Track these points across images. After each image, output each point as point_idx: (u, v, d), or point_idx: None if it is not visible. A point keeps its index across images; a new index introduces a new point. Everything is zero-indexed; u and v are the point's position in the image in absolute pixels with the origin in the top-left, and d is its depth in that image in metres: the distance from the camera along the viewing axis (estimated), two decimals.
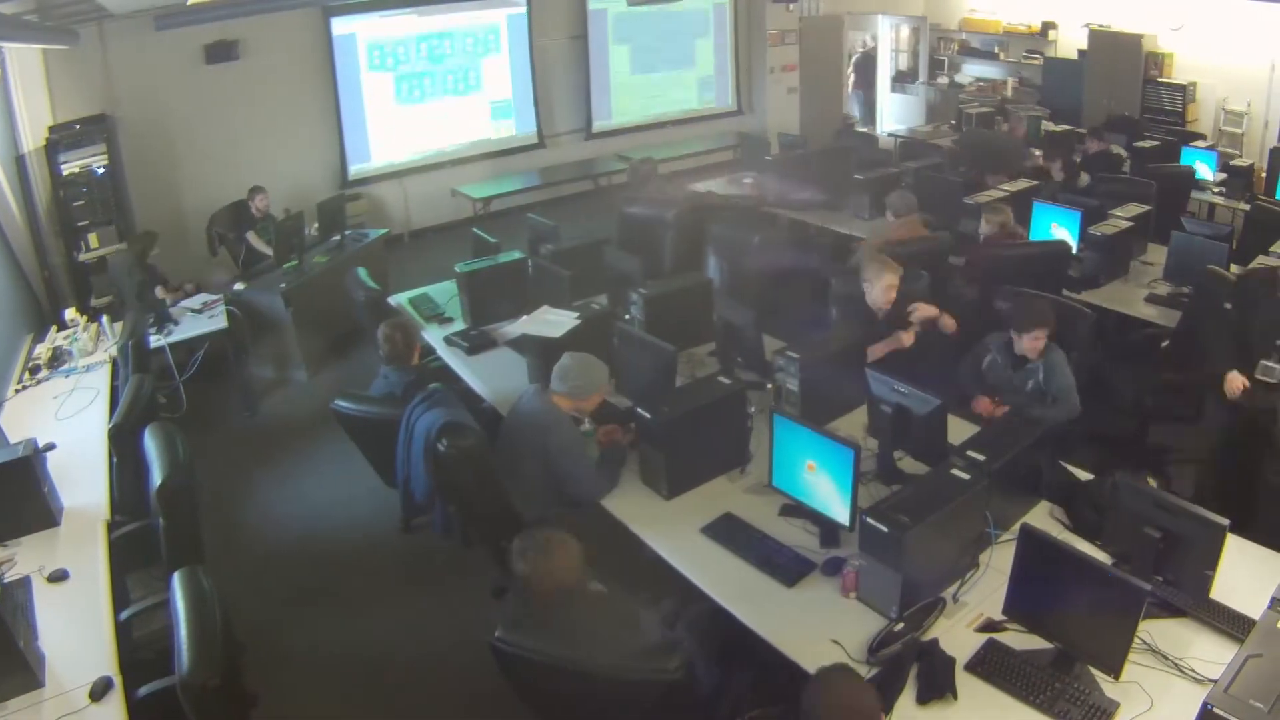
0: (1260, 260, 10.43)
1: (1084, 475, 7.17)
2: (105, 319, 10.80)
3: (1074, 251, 11.34)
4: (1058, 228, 11.70)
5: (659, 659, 5.25)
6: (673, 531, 6.86)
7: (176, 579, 5.62)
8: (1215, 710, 4.38)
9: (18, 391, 9.82)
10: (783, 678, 5.73)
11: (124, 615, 6.37)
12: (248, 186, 14.60)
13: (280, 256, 13.18)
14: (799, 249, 12.45)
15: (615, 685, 5.30)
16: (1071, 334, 8.69)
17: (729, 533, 6.78)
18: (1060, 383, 8.12)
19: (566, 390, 7.49)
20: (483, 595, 7.85)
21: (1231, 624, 5.57)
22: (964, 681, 5.34)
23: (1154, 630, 5.52)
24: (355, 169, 17.72)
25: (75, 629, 6.09)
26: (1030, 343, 8.20)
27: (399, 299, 11.38)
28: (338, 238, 14.31)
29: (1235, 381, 7.84)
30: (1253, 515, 7.07)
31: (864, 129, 22.74)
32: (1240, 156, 17.26)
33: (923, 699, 5.23)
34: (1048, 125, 18.60)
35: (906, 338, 8.95)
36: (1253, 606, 5.49)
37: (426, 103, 18.16)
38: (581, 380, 7.52)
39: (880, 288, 8.90)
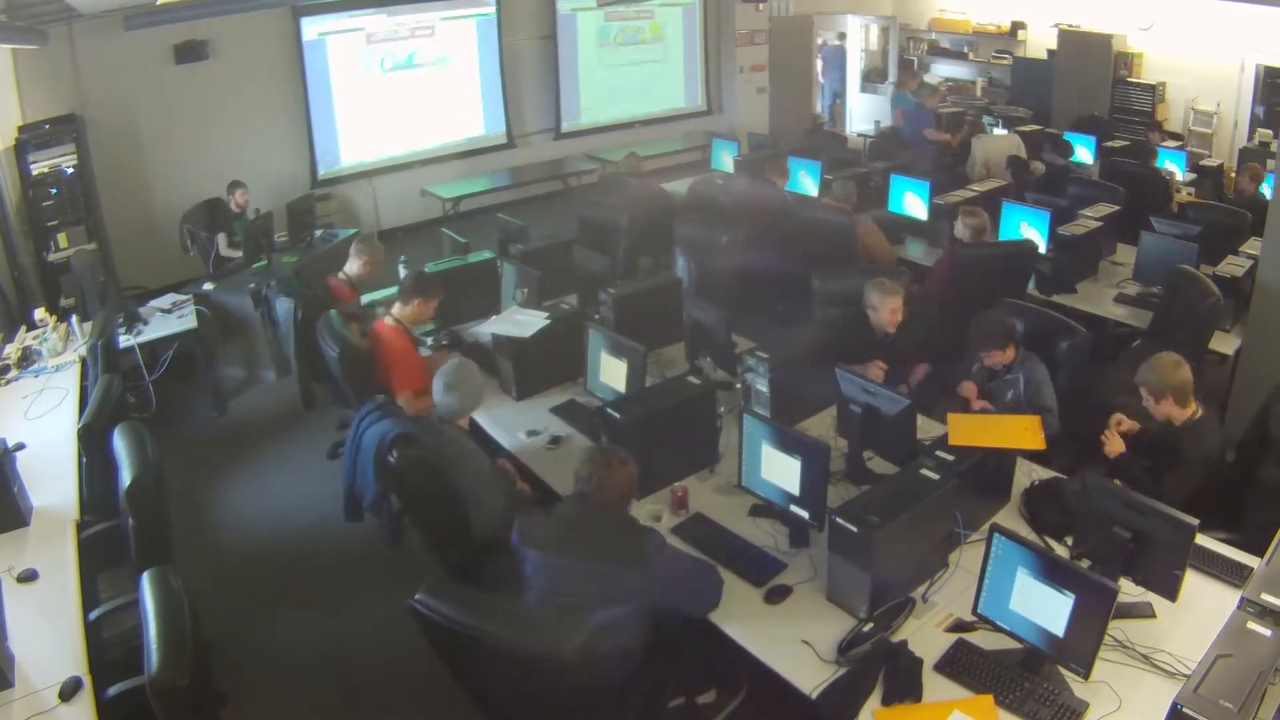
0: (1229, 260, 10.45)
1: (1047, 474, 7.19)
2: (74, 319, 10.74)
3: (1041, 251, 11.37)
4: (1027, 227, 11.72)
5: (559, 636, 5.21)
6: None
7: (145, 579, 5.59)
8: (1185, 710, 4.38)
9: None
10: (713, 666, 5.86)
11: (93, 615, 6.33)
12: (218, 185, 14.55)
13: (249, 257, 13.15)
14: (768, 249, 12.41)
15: (515, 658, 5.26)
16: (1057, 350, 8.69)
17: (699, 533, 6.78)
18: (1042, 403, 8.06)
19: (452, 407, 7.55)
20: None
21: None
22: (933, 681, 5.36)
23: (1125, 627, 5.55)
24: (325, 169, 17.65)
25: (44, 629, 6.06)
26: (990, 359, 8.24)
27: (369, 299, 11.34)
28: (307, 238, 14.24)
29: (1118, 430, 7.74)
30: (1243, 516, 7.12)
31: (830, 128, 22.84)
32: (1210, 156, 17.33)
33: (888, 701, 5.23)
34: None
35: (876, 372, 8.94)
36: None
37: (396, 103, 18.10)
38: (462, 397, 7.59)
39: (886, 311, 8.88)
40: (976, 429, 6.82)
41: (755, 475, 6.87)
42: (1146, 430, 7.46)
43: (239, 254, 13.78)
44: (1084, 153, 16.41)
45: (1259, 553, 6.19)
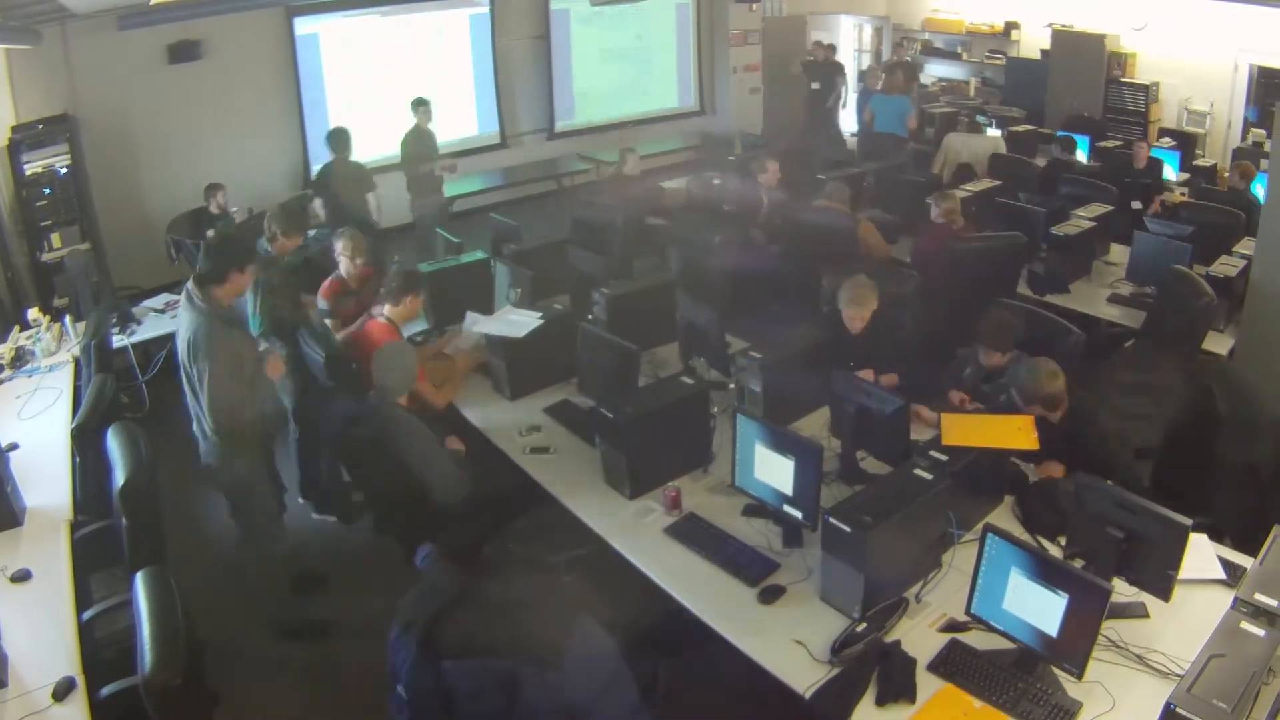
0: (1223, 260, 10.46)
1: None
2: (68, 319, 10.71)
3: (1031, 245, 11.36)
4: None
5: None
6: (636, 532, 6.89)
7: (139, 579, 5.62)
8: (1178, 710, 4.39)
9: None
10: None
11: (87, 615, 6.35)
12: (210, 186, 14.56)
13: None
14: (761, 249, 12.41)
15: None
16: (1054, 351, 8.61)
17: (692, 533, 6.80)
18: None
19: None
20: None
21: None
22: (926, 681, 5.37)
23: (1119, 627, 5.55)
24: (318, 169, 17.48)
25: (38, 629, 6.07)
26: (985, 358, 8.22)
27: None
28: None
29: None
30: (1209, 497, 7.16)
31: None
32: (1203, 156, 17.33)
33: (882, 701, 5.25)
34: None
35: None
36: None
37: (389, 103, 18.03)
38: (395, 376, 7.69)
39: (853, 312, 8.84)
40: (970, 429, 6.80)
41: (749, 475, 6.88)
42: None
43: None
44: (1081, 158, 16.44)
45: (1232, 535, 6.25)
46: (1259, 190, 12.92)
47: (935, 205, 11.50)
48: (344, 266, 10.07)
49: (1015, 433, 6.81)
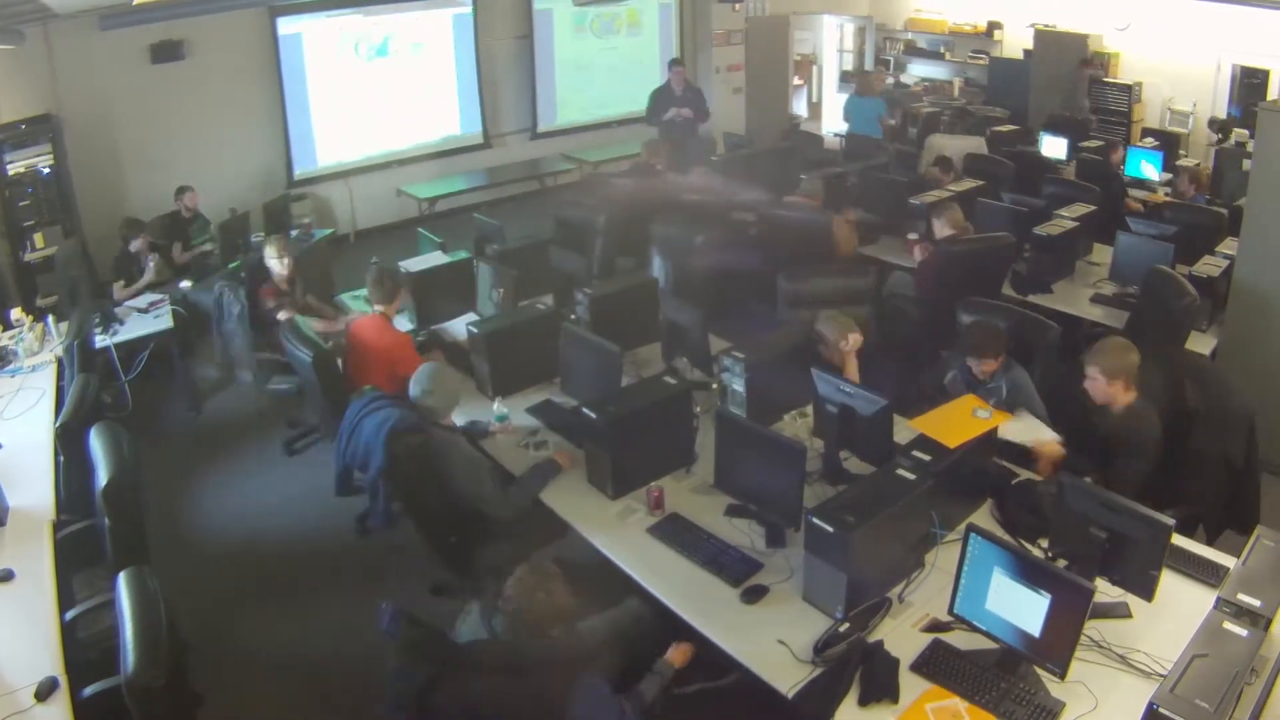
0: (1206, 260, 10.47)
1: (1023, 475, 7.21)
2: (51, 319, 10.70)
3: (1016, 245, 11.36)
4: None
5: None
6: (618, 532, 6.89)
7: (122, 579, 5.62)
8: (1161, 710, 4.40)
9: None
10: None
11: (69, 615, 6.35)
12: (194, 185, 14.54)
13: (225, 257, 13.17)
14: (744, 249, 12.40)
15: None
16: (1033, 348, 8.66)
17: (675, 533, 6.79)
18: (1032, 409, 7.98)
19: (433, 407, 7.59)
20: (426, 595, 7.96)
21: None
22: (909, 681, 5.37)
23: (1101, 627, 5.56)
24: (301, 169, 17.61)
25: (21, 629, 6.07)
26: (978, 366, 8.19)
27: (345, 299, 11.35)
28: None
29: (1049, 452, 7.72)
30: (1183, 488, 7.24)
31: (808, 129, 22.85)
32: (1186, 156, 17.35)
33: (864, 701, 5.25)
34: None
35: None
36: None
37: (372, 103, 18.03)
38: (438, 398, 7.64)
39: (846, 348, 8.82)
40: (942, 425, 6.82)
41: (727, 477, 6.88)
42: (1088, 427, 7.49)
43: (194, 256, 13.86)
44: (1057, 152, 16.48)
45: (1206, 525, 6.28)
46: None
47: (946, 220, 11.28)
48: (275, 269, 10.19)
49: (974, 419, 6.86)
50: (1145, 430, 7.18)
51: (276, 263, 10.50)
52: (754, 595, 6.14)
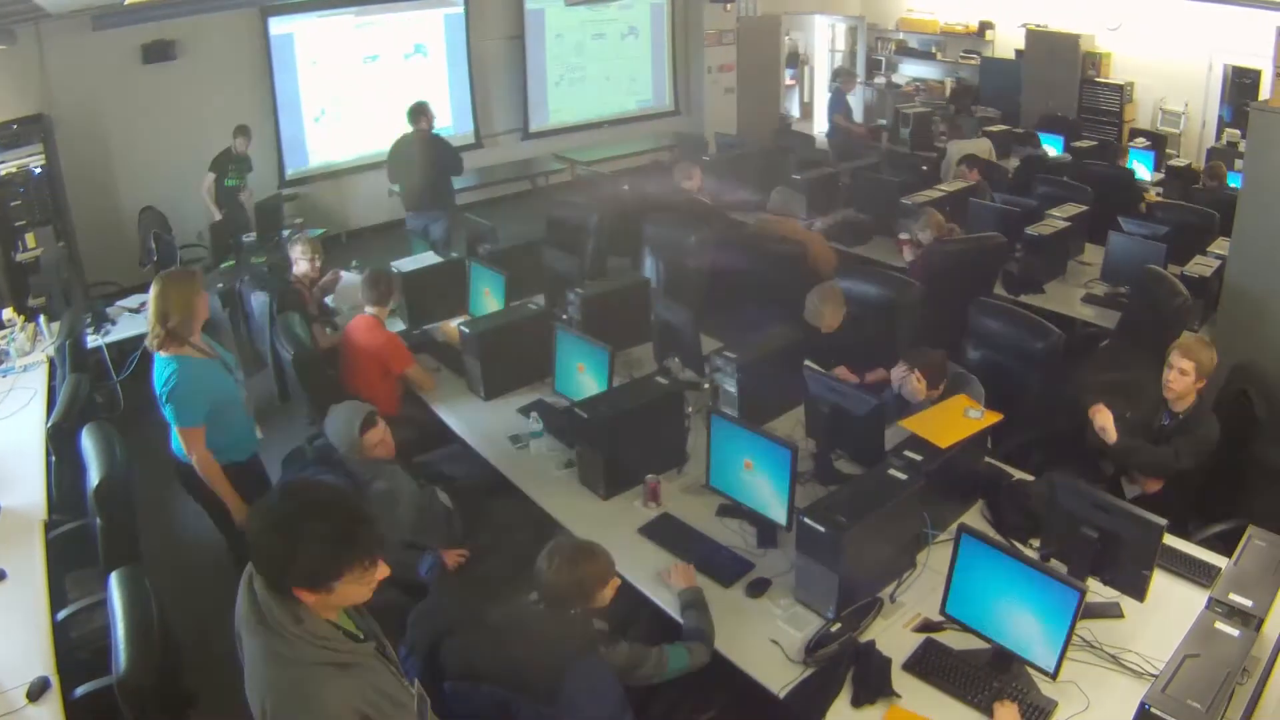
0: (1197, 260, 10.48)
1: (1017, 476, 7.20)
2: (42, 319, 10.71)
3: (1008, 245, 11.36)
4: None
5: None
6: (611, 531, 6.80)
7: (114, 579, 5.62)
8: (1153, 710, 4.40)
9: None
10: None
11: (61, 615, 6.33)
12: (186, 186, 14.67)
13: (217, 256, 13.26)
14: (736, 249, 12.38)
15: None
16: (1034, 352, 8.65)
17: (667, 533, 6.80)
18: None
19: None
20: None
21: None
22: (901, 681, 5.37)
23: (1093, 627, 5.56)
24: (293, 169, 17.66)
25: (12, 629, 6.06)
26: (908, 388, 8.08)
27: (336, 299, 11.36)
28: (275, 238, 14.16)
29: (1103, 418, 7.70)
30: (1248, 499, 7.27)
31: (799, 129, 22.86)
32: (1177, 156, 17.38)
33: (857, 703, 5.25)
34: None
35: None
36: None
37: (363, 102, 18.03)
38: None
39: (829, 318, 8.82)
40: (933, 426, 6.82)
41: (724, 475, 6.87)
42: (1143, 427, 7.50)
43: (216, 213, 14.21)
44: (1051, 153, 16.50)
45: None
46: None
47: (927, 226, 11.26)
48: (303, 268, 10.22)
49: (966, 419, 6.86)
50: (1203, 428, 7.24)
51: (306, 263, 10.49)
52: (758, 589, 6.18)
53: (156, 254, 12.83)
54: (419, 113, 14.13)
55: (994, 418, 6.92)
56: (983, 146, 16.18)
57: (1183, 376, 7.25)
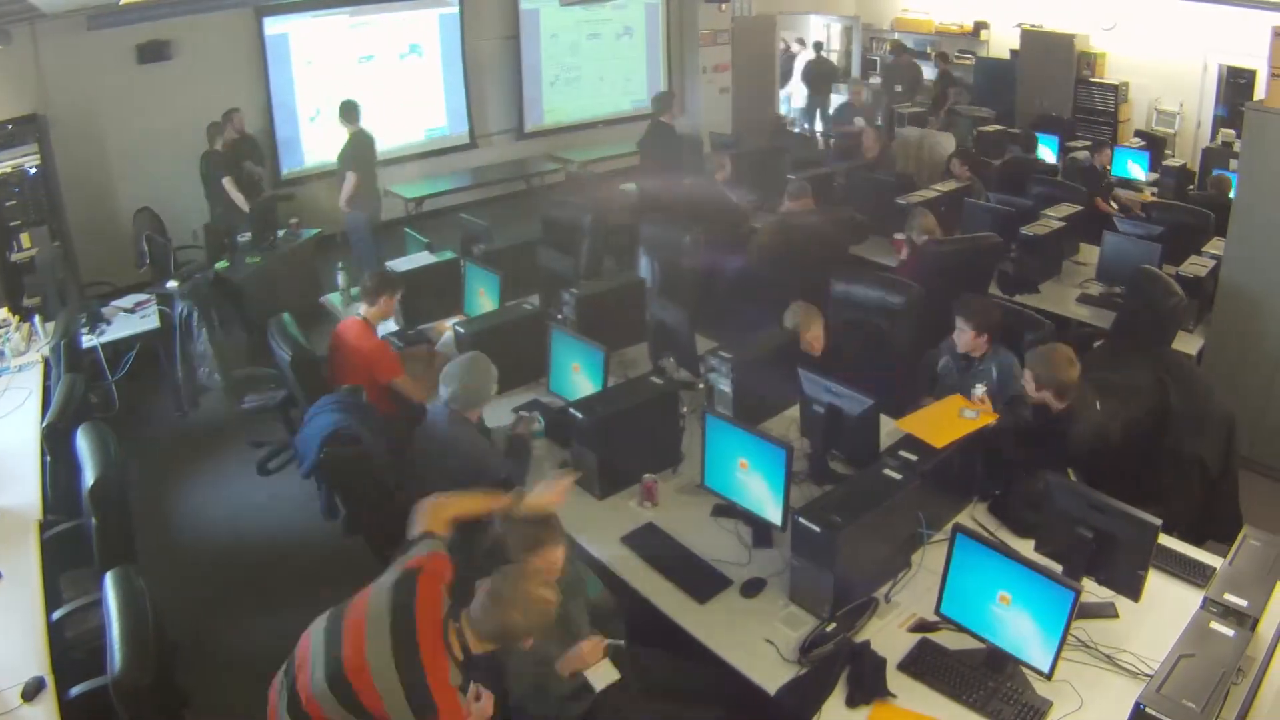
0: (1193, 260, 10.49)
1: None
2: (37, 319, 10.68)
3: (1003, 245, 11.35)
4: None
5: None
6: (604, 531, 6.89)
7: (109, 579, 5.62)
8: (1148, 710, 4.41)
9: None
10: None
11: (56, 615, 6.33)
12: (182, 186, 14.69)
13: (211, 256, 13.22)
14: (733, 248, 12.37)
15: None
16: (1025, 344, 8.58)
17: (649, 543, 6.78)
18: (1016, 391, 7.98)
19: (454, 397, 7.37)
20: None
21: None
22: (897, 681, 5.38)
23: (1088, 627, 5.57)
24: (288, 169, 17.66)
25: (8, 629, 6.06)
26: (965, 338, 8.18)
27: (331, 299, 11.34)
28: (271, 238, 14.15)
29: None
30: (1159, 490, 7.27)
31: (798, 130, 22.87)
32: (1172, 156, 17.38)
33: (852, 703, 5.25)
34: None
35: None
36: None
37: (358, 102, 17.97)
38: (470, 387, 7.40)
39: (810, 336, 8.82)
40: (929, 426, 6.83)
41: (719, 476, 6.86)
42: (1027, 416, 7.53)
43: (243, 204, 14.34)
44: (1046, 153, 16.51)
45: (1179, 527, 6.31)
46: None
47: (920, 228, 11.21)
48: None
49: (961, 419, 6.88)
50: (1075, 426, 7.22)
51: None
52: (753, 589, 6.17)
53: (150, 256, 12.81)
54: None
55: (990, 417, 6.93)
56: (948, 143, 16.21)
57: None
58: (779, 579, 6.22)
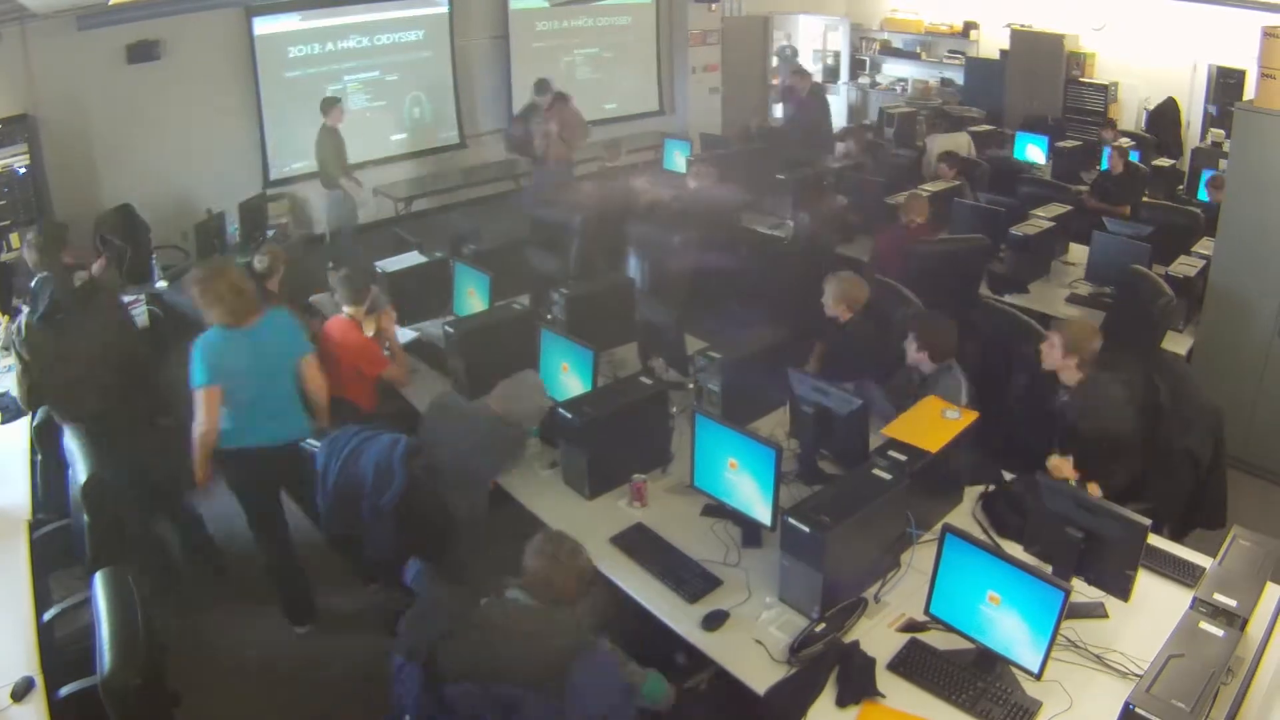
0: (1182, 260, 10.51)
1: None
2: None
3: (992, 245, 11.38)
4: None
5: None
6: (592, 532, 6.79)
7: (98, 579, 5.62)
8: (1137, 710, 4.39)
9: None
10: None
11: (46, 615, 6.32)
12: (171, 186, 14.71)
13: (201, 256, 13.16)
14: (722, 248, 12.38)
15: None
16: (1024, 351, 8.63)
17: (638, 544, 6.77)
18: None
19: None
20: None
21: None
22: (886, 681, 5.38)
23: (1078, 627, 5.58)
24: (278, 169, 17.58)
25: None
26: (908, 345, 8.15)
27: (320, 300, 11.32)
28: (259, 238, 14.10)
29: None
30: (1146, 484, 7.27)
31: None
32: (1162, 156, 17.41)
33: (842, 703, 5.25)
34: None
35: None
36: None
37: (348, 102, 17.92)
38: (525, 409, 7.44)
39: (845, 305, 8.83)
40: (915, 430, 6.82)
41: (709, 476, 6.87)
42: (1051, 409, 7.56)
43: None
44: (1035, 152, 16.52)
45: (1169, 522, 6.32)
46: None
47: (906, 209, 11.50)
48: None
49: (944, 420, 6.88)
50: (1098, 415, 7.25)
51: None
52: (714, 622, 6.00)
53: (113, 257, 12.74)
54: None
55: (971, 416, 6.92)
56: (961, 141, 16.21)
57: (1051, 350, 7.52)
58: (768, 579, 6.21)
